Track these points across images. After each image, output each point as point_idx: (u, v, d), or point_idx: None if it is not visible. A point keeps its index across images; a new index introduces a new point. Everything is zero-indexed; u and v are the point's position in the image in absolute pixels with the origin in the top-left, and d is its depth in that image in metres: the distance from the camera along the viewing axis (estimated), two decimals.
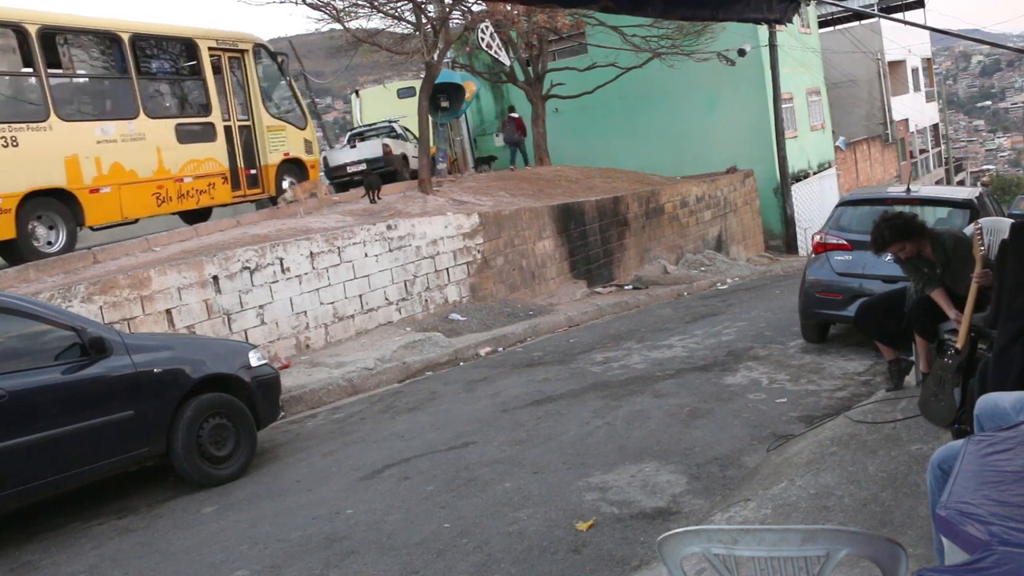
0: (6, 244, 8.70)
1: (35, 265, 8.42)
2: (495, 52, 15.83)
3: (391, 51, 15.91)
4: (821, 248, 7.66)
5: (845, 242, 7.44)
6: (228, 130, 11.40)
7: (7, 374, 4.81)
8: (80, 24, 9.81)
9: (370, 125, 19.01)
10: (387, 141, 16.92)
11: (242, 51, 11.77)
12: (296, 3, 13.93)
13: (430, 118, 15.00)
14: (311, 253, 9.49)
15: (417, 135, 14.96)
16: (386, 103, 20.50)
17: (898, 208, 6.25)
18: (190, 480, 5.61)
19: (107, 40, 10.07)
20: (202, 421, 5.61)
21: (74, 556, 4.71)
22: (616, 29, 18.52)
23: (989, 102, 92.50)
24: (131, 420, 5.28)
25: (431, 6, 15.86)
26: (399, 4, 16.42)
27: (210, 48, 11.18)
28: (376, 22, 25.91)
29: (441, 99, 16.52)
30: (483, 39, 15.26)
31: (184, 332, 8.03)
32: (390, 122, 18.56)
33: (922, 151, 36.74)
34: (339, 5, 15.21)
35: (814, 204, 23.42)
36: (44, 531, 5.20)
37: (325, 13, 15.13)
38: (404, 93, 20.46)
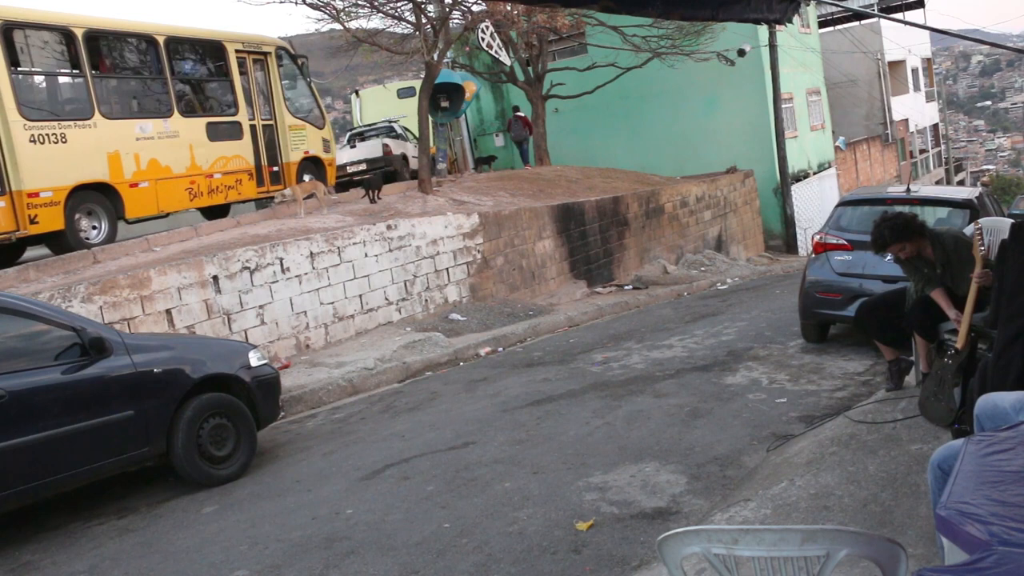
0: (54, 235, 9.06)
1: (35, 265, 8.45)
2: (495, 52, 15.83)
3: (391, 51, 15.91)
4: (821, 248, 7.66)
5: (845, 242, 7.44)
6: (253, 129, 11.74)
7: (7, 374, 4.81)
8: (121, 27, 10.29)
9: (370, 125, 19.02)
10: (387, 141, 16.93)
11: (266, 53, 12.12)
12: (296, 3, 13.94)
13: (430, 118, 15.01)
14: (311, 253, 9.49)
15: (417, 135, 14.96)
16: (386, 103, 20.52)
17: (898, 208, 6.27)
18: (190, 480, 5.61)
19: (144, 42, 10.46)
20: (202, 421, 5.62)
21: (74, 556, 4.71)
22: (616, 29, 18.52)
23: (989, 102, 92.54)
24: (131, 420, 5.28)
25: (431, 6, 15.85)
26: (399, 4, 16.41)
27: (237, 50, 11.55)
28: (376, 22, 25.90)
29: (441, 99, 16.52)
30: (483, 39, 15.27)
31: (184, 332, 8.03)
32: (390, 122, 18.58)
33: (922, 151, 36.75)
34: (339, 5, 15.20)
35: (814, 204, 23.43)
36: (44, 531, 5.20)
37: (325, 13, 15.13)
38: (404, 93, 20.48)
